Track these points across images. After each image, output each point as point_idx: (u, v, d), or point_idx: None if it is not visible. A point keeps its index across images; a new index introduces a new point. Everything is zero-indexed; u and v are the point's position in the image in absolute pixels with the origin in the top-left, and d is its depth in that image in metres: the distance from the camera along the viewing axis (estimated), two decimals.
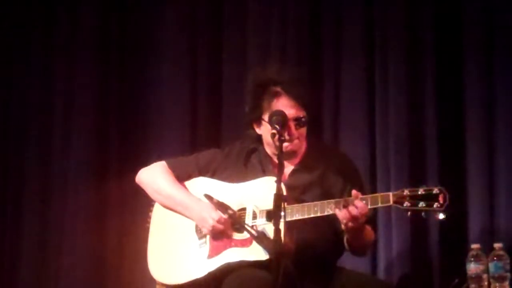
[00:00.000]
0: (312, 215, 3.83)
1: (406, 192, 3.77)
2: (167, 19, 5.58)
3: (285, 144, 3.90)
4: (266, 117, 4.02)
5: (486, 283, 4.38)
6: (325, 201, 3.85)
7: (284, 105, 4.02)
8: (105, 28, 5.66)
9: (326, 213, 3.83)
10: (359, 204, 3.76)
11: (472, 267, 4.38)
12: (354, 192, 3.80)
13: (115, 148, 5.57)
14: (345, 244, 4.00)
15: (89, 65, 5.64)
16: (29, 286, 5.52)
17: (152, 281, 4.14)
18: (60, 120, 5.63)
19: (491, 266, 4.38)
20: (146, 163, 4.32)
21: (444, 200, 3.72)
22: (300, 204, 3.86)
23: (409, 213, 3.77)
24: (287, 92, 4.03)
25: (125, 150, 5.53)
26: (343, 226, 3.83)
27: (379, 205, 3.80)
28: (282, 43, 5.30)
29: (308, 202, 3.92)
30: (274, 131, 3.84)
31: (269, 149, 4.11)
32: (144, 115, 5.56)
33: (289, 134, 3.97)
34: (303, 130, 4.06)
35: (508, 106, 4.84)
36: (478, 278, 4.39)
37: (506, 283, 4.36)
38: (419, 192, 3.76)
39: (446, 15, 5.02)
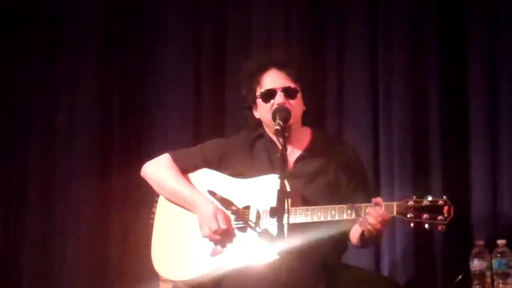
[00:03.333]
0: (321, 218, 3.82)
1: (410, 202, 3.70)
2: (171, 11, 5.56)
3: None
4: (257, 94, 4.04)
5: (489, 279, 4.39)
6: (336, 206, 3.82)
7: (272, 76, 4.03)
8: (108, 21, 5.64)
9: (337, 218, 3.81)
10: (378, 213, 3.71)
11: (476, 264, 4.39)
12: (374, 200, 3.75)
13: (118, 142, 5.56)
14: (352, 238, 3.97)
15: (93, 58, 5.62)
16: (33, 281, 5.52)
17: (155, 275, 4.14)
18: (63, 114, 5.62)
19: (495, 262, 4.39)
20: (149, 156, 4.30)
21: (449, 213, 3.66)
22: (305, 207, 3.84)
23: (412, 224, 3.70)
24: (275, 64, 4.04)
25: (128, 144, 5.52)
26: (365, 232, 3.80)
27: None
28: (285, 39, 5.28)
29: (312, 192, 3.94)
30: (277, 127, 3.82)
31: (269, 130, 4.09)
32: (147, 108, 5.56)
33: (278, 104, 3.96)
34: (295, 103, 4.01)
35: None
36: (481, 274, 4.40)
37: (510, 280, 4.38)
38: (423, 204, 3.69)
39: (450, 8, 5.01)
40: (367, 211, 3.74)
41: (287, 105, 3.96)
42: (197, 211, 4.04)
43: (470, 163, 4.89)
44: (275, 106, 3.97)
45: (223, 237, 3.94)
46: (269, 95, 4.01)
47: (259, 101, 4.06)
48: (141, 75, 5.59)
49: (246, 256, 3.88)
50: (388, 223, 3.74)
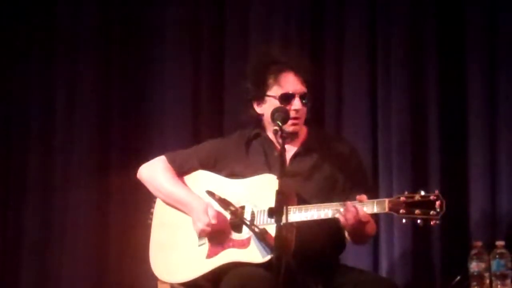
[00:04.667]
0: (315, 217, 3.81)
1: (402, 198, 3.69)
2: (170, 12, 5.56)
3: (289, 122, 3.91)
4: (271, 92, 4.02)
5: (488, 281, 4.39)
6: (326, 204, 3.81)
7: (291, 80, 4.02)
8: (107, 22, 5.63)
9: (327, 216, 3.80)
10: (355, 210, 3.72)
11: (474, 265, 4.39)
12: (358, 197, 3.76)
13: (117, 142, 5.54)
14: (346, 235, 3.96)
15: (91, 58, 5.60)
16: (31, 282, 5.50)
17: (154, 277, 4.13)
18: (62, 114, 5.61)
19: (493, 264, 4.39)
20: (148, 157, 4.30)
21: (441, 208, 3.63)
22: (299, 206, 3.82)
23: (404, 220, 3.69)
24: (294, 69, 4.03)
25: (127, 145, 5.50)
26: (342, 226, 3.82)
27: (375, 211, 3.75)
28: (284, 42, 5.26)
29: (309, 189, 3.93)
30: (276, 127, 3.82)
31: (270, 128, 4.07)
32: (146, 109, 5.54)
33: (296, 111, 3.96)
34: (305, 110, 4.03)
35: (510, 105, 4.82)
36: (480, 276, 4.39)
37: (508, 281, 4.38)
38: (416, 199, 3.67)
39: (449, 12, 5.01)
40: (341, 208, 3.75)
41: (301, 111, 3.99)
42: (189, 210, 4.05)
43: (469, 164, 4.89)
44: (276, 107, 3.95)
45: (214, 232, 3.93)
46: (288, 98, 4.00)
47: (271, 99, 4.03)
48: (140, 76, 5.57)
49: (243, 256, 3.87)
50: (363, 221, 3.72)
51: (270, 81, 4.03)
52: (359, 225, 3.74)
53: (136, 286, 5.11)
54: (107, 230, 5.44)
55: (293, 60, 4.06)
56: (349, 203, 3.74)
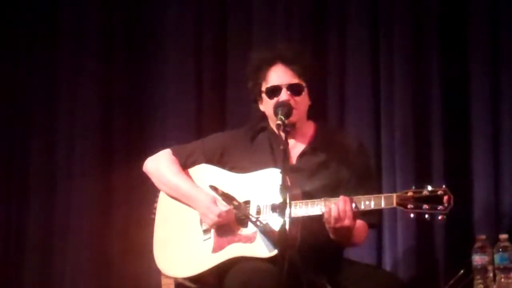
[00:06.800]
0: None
1: (410, 193, 3.70)
2: (172, 8, 5.56)
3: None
4: (263, 88, 4.04)
5: (491, 274, 4.38)
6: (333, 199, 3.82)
7: (278, 72, 4.03)
8: (108, 20, 5.64)
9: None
10: (345, 206, 3.74)
11: (477, 258, 4.37)
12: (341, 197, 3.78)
13: (119, 139, 5.56)
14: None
15: (94, 54, 5.61)
16: (35, 281, 5.51)
17: (157, 272, 4.14)
18: (64, 111, 5.62)
19: (497, 257, 4.37)
20: (150, 154, 4.31)
21: (449, 203, 3.65)
22: (304, 200, 3.83)
23: (412, 215, 3.70)
24: (282, 59, 4.03)
25: (130, 141, 5.52)
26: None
27: (382, 206, 3.75)
28: (286, 38, 5.25)
29: (314, 186, 3.93)
30: (279, 122, 3.82)
31: (273, 124, 4.07)
32: (148, 106, 5.55)
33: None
34: (300, 99, 4.01)
35: None
36: (483, 269, 4.38)
37: None
38: (423, 194, 3.68)
39: (452, 9, 5.01)
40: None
41: (292, 102, 3.96)
42: (196, 204, 4.05)
43: (472, 159, 4.88)
44: (278, 102, 3.97)
45: (223, 225, 3.94)
46: (274, 91, 4.02)
47: (264, 96, 4.06)
48: (142, 73, 5.59)
49: (249, 250, 3.88)
50: (343, 224, 3.73)
51: (261, 78, 4.06)
52: (337, 224, 3.74)
53: (140, 282, 5.12)
54: (110, 226, 5.44)
55: (283, 52, 4.06)
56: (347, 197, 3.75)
